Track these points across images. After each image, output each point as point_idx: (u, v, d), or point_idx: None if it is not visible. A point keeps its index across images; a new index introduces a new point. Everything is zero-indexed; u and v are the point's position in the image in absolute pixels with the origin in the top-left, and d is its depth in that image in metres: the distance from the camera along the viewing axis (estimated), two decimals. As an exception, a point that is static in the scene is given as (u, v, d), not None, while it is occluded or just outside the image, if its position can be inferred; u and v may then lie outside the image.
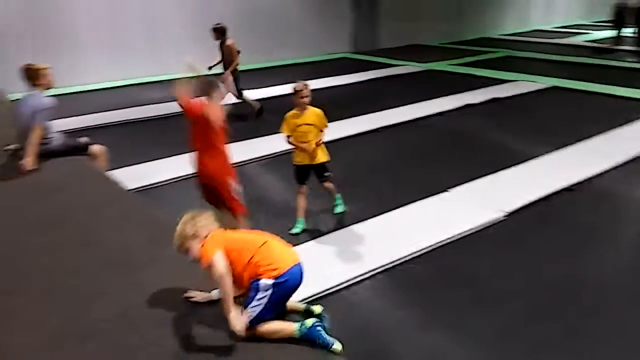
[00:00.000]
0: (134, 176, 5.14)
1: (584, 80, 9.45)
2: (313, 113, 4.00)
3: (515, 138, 6.51)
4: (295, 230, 4.10)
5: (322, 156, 4.11)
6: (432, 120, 7.43)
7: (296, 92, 3.91)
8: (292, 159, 4.16)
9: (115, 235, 3.33)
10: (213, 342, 2.24)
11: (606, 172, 5.24)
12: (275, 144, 5.50)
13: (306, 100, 3.94)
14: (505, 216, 4.34)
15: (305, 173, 4.16)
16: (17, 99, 5.01)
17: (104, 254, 3.10)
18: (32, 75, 4.56)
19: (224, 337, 2.23)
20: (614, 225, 4.34)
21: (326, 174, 4.20)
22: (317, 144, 4.03)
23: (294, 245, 3.84)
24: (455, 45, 14.91)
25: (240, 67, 7.69)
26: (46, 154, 4.57)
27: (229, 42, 7.45)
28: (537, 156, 5.65)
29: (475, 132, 6.83)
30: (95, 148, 4.84)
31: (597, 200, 4.72)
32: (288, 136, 4.03)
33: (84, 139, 4.92)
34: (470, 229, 4.11)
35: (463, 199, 4.68)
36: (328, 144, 6.46)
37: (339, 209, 4.42)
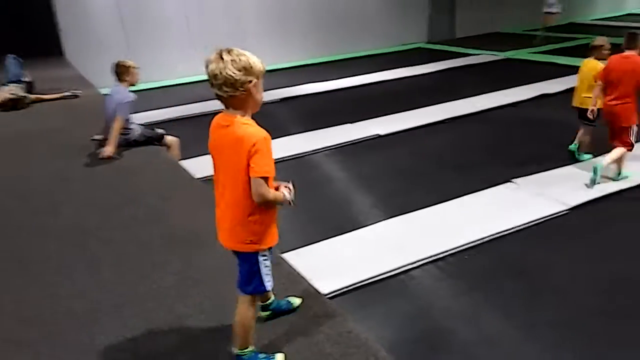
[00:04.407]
0: (201, 166, 5.43)
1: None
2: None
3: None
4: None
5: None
6: (504, 111, 7.23)
7: (602, 45, 5.26)
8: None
9: (181, 217, 3.64)
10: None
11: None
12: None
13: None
14: (567, 210, 4.21)
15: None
16: (106, 94, 5.48)
17: (170, 230, 3.44)
18: (122, 72, 4.86)
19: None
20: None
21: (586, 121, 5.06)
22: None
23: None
24: (539, 32, 14.18)
25: (314, 60, 7.65)
26: (127, 143, 5.00)
27: None
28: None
29: (547, 124, 6.56)
30: (170, 139, 5.22)
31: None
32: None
33: (160, 131, 5.29)
34: (531, 221, 4.04)
35: (527, 190, 4.59)
36: (394, 135, 6.46)
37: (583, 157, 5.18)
